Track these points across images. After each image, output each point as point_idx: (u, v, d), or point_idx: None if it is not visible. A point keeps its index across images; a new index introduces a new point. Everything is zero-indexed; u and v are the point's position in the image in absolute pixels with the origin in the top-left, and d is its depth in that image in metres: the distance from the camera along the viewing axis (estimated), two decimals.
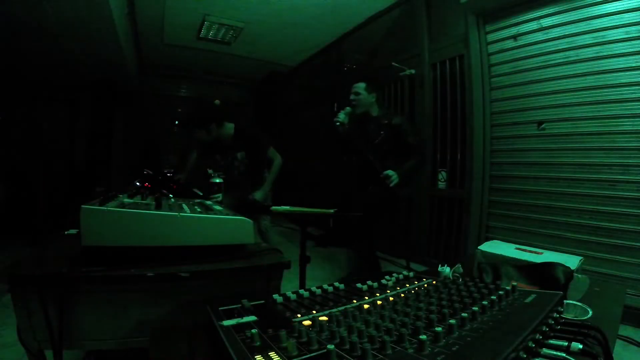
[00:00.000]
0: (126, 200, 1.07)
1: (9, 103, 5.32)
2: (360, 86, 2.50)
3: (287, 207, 1.63)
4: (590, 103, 2.39)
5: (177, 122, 7.20)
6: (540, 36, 2.64)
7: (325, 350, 0.47)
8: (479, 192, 3.04)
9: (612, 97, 2.28)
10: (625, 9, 2.20)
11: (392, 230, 4.26)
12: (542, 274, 0.93)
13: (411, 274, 0.95)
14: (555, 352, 0.54)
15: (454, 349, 0.47)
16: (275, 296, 0.73)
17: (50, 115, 5.72)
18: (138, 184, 1.82)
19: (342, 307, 0.66)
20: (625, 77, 2.22)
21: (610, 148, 2.31)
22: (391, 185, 2.29)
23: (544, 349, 0.56)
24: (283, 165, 2.69)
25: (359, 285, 0.82)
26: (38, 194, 4.27)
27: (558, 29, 2.54)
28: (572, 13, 2.46)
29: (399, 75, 3.88)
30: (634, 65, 2.18)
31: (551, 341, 0.58)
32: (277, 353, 0.48)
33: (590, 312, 0.80)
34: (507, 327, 0.54)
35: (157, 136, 6.81)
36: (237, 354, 0.48)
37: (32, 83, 5.43)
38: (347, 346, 0.49)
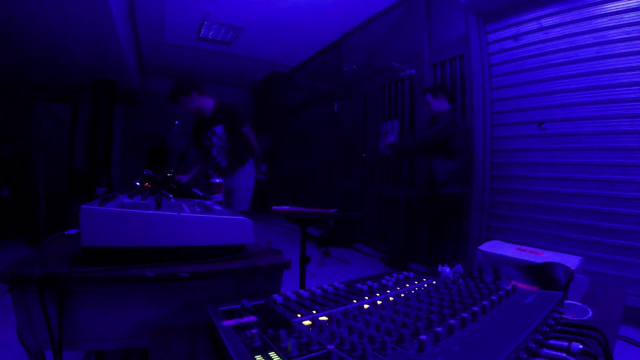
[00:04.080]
0: (126, 200, 1.07)
1: (9, 103, 5.33)
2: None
3: (287, 207, 1.63)
4: (591, 103, 2.39)
5: (176, 122, 7.20)
6: (540, 36, 2.65)
7: (325, 350, 0.47)
8: (480, 192, 3.04)
9: (612, 98, 2.28)
10: (625, 9, 2.20)
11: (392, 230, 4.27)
12: (542, 274, 0.93)
13: (411, 274, 0.95)
14: (555, 353, 0.54)
15: (454, 349, 0.47)
16: (275, 296, 0.73)
17: (50, 115, 5.72)
18: (138, 184, 1.82)
19: (342, 307, 0.66)
20: (625, 77, 2.22)
21: (610, 148, 2.31)
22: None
23: (544, 349, 0.56)
24: (283, 165, 2.73)
25: (359, 285, 0.82)
26: (38, 194, 4.27)
27: (558, 29, 2.54)
28: (572, 13, 2.46)
29: (399, 75, 3.89)
30: (634, 65, 2.18)
31: (551, 341, 0.58)
32: (277, 353, 0.48)
33: (591, 313, 0.80)
34: (508, 327, 0.54)
35: (163, 137, 6.79)
36: (237, 354, 0.48)
37: (32, 83, 5.43)
38: (348, 346, 0.49)
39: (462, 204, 2.94)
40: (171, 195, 1.42)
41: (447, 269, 0.98)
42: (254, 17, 4.37)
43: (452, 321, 0.53)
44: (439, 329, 0.50)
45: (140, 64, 6.20)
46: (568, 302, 0.84)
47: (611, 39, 2.27)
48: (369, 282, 0.84)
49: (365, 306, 0.67)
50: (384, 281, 0.86)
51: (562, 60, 2.52)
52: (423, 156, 3.03)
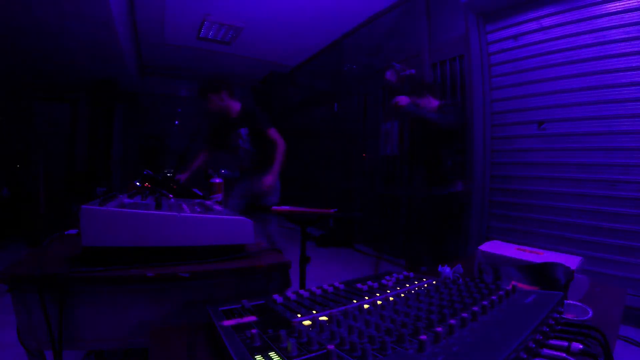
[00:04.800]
0: (126, 200, 1.07)
1: (9, 103, 5.33)
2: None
3: (287, 207, 1.63)
4: (591, 103, 2.39)
5: (176, 123, 7.21)
6: (540, 36, 2.64)
7: (325, 350, 0.47)
8: (480, 192, 3.04)
9: (613, 98, 2.28)
10: (625, 9, 2.20)
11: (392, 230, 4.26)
12: (542, 274, 0.93)
13: (411, 273, 0.95)
14: (555, 353, 0.54)
15: (454, 349, 0.47)
16: (275, 296, 0.73)
17: (50, 115, 5.72)
18: (138, 184, 1.82)
19: (342, 307, 0.66)
20: (625, 77, 2.22)
21: (610, 148, 2.31)
22: None
23: (544, 349, 0.56)
24: (283, 165, 2.70)
25: (359, 285, 0.82)
26: (38, 194, 4.27)
27: (558, 29, 2.54)
28: (572, 13, 2.46)
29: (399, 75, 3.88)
30: (634, 65, 2.18)
31: (551, 341, 0.58)
32: (277, 353, 0.48)
33: (591, 313, 0.79)
34: (508, 327, 0.54)
35: (159, 136, 6.83)
36: (237, 354, 0.48)
37: (32, 83, 5.43)
38: (348, 346, 0.49)
39: (467, 202, 2.80)
40: (171, 195, 1.42)
41: (447, 269, 0.98)
42: (254, 17, 4.37)
43: (452, 321, 0.53)
44: (439, 329, 0.50)
45: (140, 64, 6.19)
46: (568, 302, 0.84)
47: (611, 39, 2.27)
48: (369, 282, 0.84)
49: (365, 306, 0.67)
50: (384, 281, 0.86)
51: (562, 60, 2.52)
52: (427, 150, 2.65)
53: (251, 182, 2.67)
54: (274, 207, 1.65)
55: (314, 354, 0.48)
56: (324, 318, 0.61)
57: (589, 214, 2.40)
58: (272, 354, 0.48)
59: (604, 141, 2.34)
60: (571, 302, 0.85)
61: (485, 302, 0.63)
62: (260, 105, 2.83)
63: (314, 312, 0.64)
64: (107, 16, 3.21)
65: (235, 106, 2.66)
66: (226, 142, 2.73)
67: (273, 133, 2.63)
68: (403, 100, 2.48)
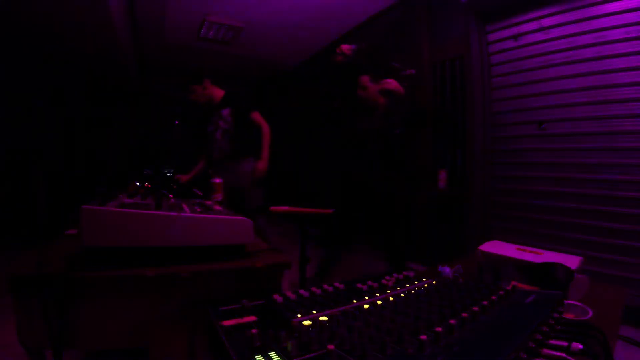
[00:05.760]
0: (126, 200, 1.07)
1: (9, 103, 5.33)
2: None
3: (287, 207, 1.63)
4: (591, 103, 2.39)
5: (176, 122, 7.21)
6: (540, 36, 2.64)
7: (325, 350, 0.47)
8: (480, 192, 3.04)
9: (613, 98, 2.28)
10: (625, 9, 2.20)
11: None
12: (543, 274, 0.93)
13: (411, 273, 0.95)
14: (555, 353, 0.54)
15: (454, 349, 0.47)
16: (276, 296, 0.73)
17: (50, 115, 5.72)
18: (138, 184, 1.82)
19: (342, 307, 0.66)
20: (625, 77, 2.22)
21: (611, 148, 2.31)
22: None
23: (544, 349, 0.56)
24: (283, 165, 2.70)
25: (359, 285, 0.82)
26: (38, 194, 4.27)
27: (558, 29, 2.54)
28: (572, 13, 2.46)
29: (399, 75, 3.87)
30: (634, 65, 2.18)
31: (551, 341, 0.58)
32: (277, 353, 0.48)
33: (591, 313, 0.80)
34: (508, 327, 0.54)
35: (159, 136, 6.84)
36: (237, 354, 0.48)
37: (31, 83, 5.44)
38: (348, 346, 0.49)
39: (465, 202, 2.77)
40: (171, 195, 1.42)
41: (447, 269, 0.98)
42: (254, 17, 4.36)
43: (452, 321, 0.53)
44: (439, 329, 0.50)
45: (140, 64, 6.20)
46: (568, 302, 0.84)
47: (611, 39, 2.27)
48: (369, 282, 0.84)
49: (365, 306, 0.67)
50: (384, 281, 0.86)
51: (562, 60, 2.52)
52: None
53: (230, 174, 2.49)
54: (273, 207, 1.65)
55: (314, 354, 0.48)
56: (324, 318, 0.61)
57: (589, 214, 2.40)
58: (272, 354, 0.48)
59: (604, 141, 2.34)
60: (571, 302, 0.85)
61: (485, 302, 0.63)
62: (260, 105, 2.77)
63: (314, 312, 0.64)
64: (107, 16, 3.21)
65: (219, 92, 2.63)
66: (206, 127, 2.64)
67: (257, 116, 2.54)
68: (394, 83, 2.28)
